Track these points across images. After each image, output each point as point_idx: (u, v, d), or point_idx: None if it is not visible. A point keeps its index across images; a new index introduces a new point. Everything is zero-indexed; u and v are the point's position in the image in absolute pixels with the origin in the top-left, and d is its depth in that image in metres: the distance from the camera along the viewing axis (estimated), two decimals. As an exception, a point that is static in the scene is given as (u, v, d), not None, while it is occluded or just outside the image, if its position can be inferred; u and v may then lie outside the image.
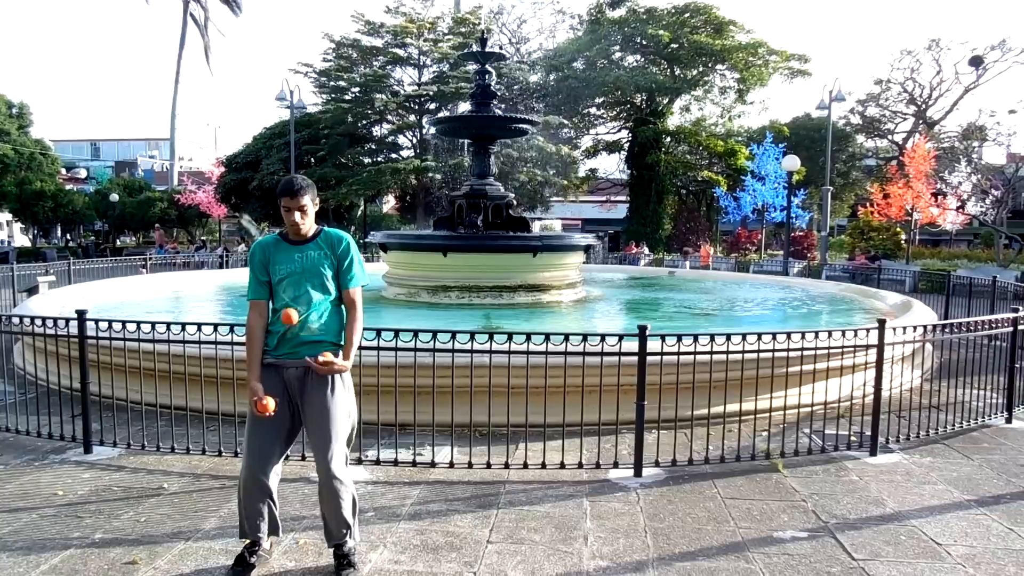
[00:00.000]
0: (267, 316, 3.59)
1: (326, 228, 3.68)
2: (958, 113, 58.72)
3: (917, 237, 33.01)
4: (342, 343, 3.59)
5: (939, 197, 30.19)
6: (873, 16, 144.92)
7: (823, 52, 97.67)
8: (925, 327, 6.43)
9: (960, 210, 32.39)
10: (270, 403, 3.38)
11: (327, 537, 3.64)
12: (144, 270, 18.78)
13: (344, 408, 3.55)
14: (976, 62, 39.93)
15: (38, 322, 5.81)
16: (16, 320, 6.21)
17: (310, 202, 3.55)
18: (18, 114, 44.90)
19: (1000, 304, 12.30)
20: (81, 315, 5.49)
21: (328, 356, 3.42)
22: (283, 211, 3.53)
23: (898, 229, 28.39)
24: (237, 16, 53.47)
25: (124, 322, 5.48)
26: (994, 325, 6.49)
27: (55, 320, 5.72)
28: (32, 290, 13.06)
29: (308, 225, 3.58)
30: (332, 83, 33.93)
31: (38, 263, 20.40)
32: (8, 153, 41.41)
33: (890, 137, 45.53)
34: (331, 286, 3.56)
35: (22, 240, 49.01)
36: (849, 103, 41.05)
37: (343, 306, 3.63)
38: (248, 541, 3.63)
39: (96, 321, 5.50)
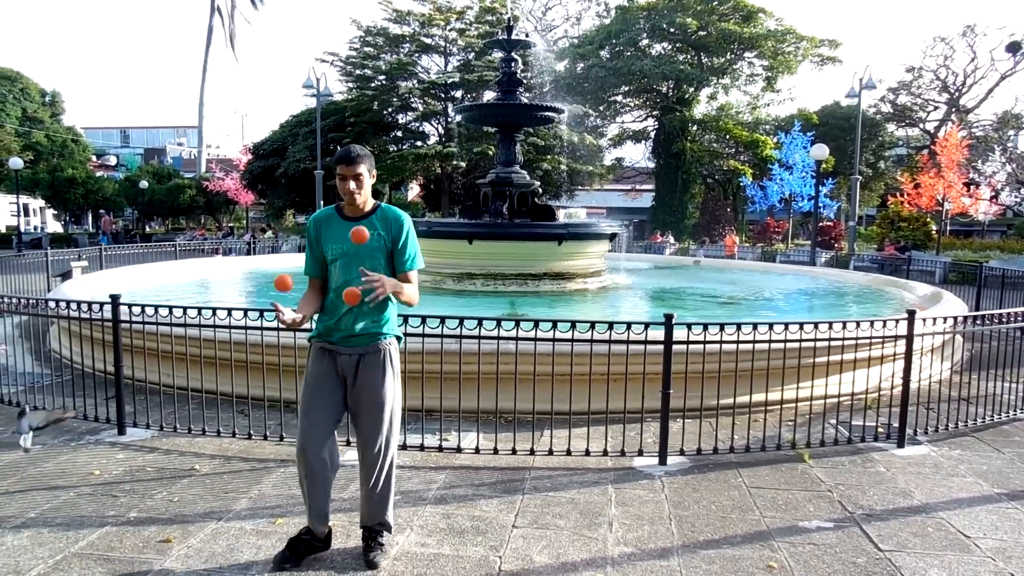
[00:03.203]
0: (321, 293, 3.48)
1: (383, 204, 3.47)
2: (993, 101, 57.61)
3: (948, 228, 32.49)
4: (396, 335, 3.51)
5: (971, 187, 29.64)
6: (905, 2, 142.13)
7: (854, 39, 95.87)
8: (956, 318, 6.33)
9: (993, 200, 31.81)
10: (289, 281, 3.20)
11: (361, 518, 3.65)
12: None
13: (393, 396, 3.47)
14: (1014, 48, 39.09)
15: (72, 306, 5.92)
16: (51, 304, 6.35)
17: (367, 171, 3.36)
18: (51, 102, 45.73)
19: (1033, 296, 12.06)
20: (115, 300, 5.60)
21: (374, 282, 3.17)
22: (339, 180, 3.35)
23: (928, 219, 27.93)
24: (257, 9, 53.88)
25: (157, 307, 5.58)
26: (1027, 317, 6.37)
27: (89, 304, 5.82)
28: (66, 275, 13.32)
29: (364, 196, 3.39)
30: (358, 71, 34.05)
31: (70, 249, 20.79)
32: (41, 141, 42.21)
33: (922, 126, 44.78)
34: (385, 271, 3.36)
35: (55, 226, 49.87)
36: (880, 91, 40.59)
37: None
38: (305, 525, 3.58)
39: (129, 306, 5.60)
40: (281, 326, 3.48)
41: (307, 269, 3.50)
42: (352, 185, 3.34)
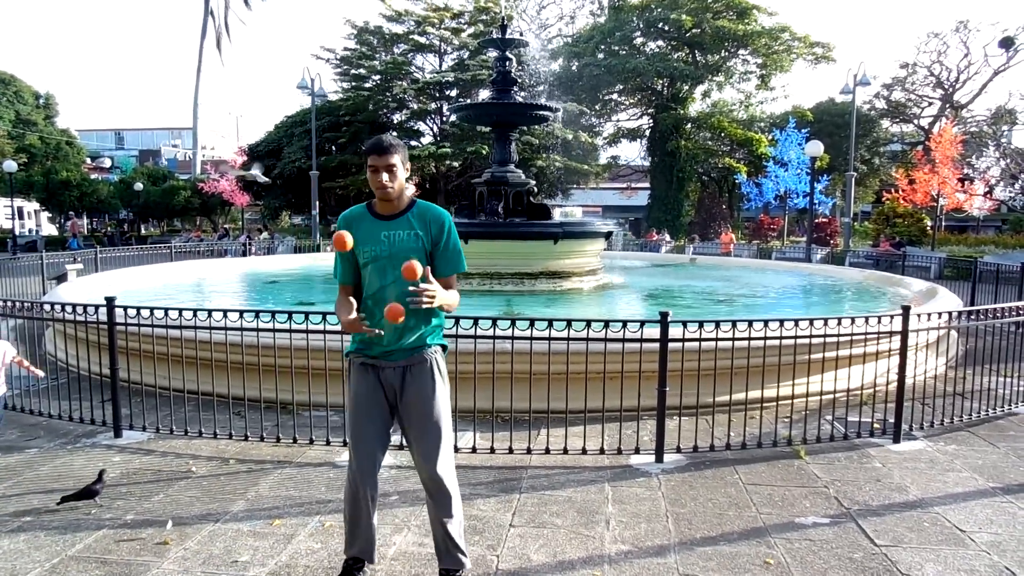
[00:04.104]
0: (354, 300, 3.16)
1: (420, 200, 3.19)
2: (987, 96, 57.65)
3: (943, 223, 32.50)
4: (442, 343, 3.21)
5: (966, 182, 29.70)
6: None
7: (848, 35, 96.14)
8: (950, 314, 6.36)
9: (988, 195, 31.86)
10: (348, 239, 2.97)
11: (438, 555, 3.32)
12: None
13: (446, 404, 3.19)
14: (1007, 43, 39.20)
15: (68, 309, 5.92)
16: (47, 307, 6.33)
17: (400, 163, 3.05)
18: (44, 104, 45.58)
19: (1028, 291, 12.09)
20: (110, 302, 5.59)
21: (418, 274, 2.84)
22: (369, 173, 3.06)
23: (923, 215, 27.97)
24: (250, 8, 53.76)
25: (152, 309, 5.58)
26: (1021, 312, 6.41)
27: (84, 307, 5.82)
28: (61, 278, 13.30)
29: (397, 189, 3.07)
30: (353, 71, 34.06)
31: (65, 251, 20.73)
32: (35, 143, 42.05)
33: (916, 122, 44.85)
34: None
35: (49, 229, 49.73)
36: (874, 87, 40.49)
37: None
38: (349, 557, 3.32)
39: (125, 308, 5.59)
40: (327, 329, 3.00)
41: (339, 275, 3.17)
42: (384, 177, 3.02)
